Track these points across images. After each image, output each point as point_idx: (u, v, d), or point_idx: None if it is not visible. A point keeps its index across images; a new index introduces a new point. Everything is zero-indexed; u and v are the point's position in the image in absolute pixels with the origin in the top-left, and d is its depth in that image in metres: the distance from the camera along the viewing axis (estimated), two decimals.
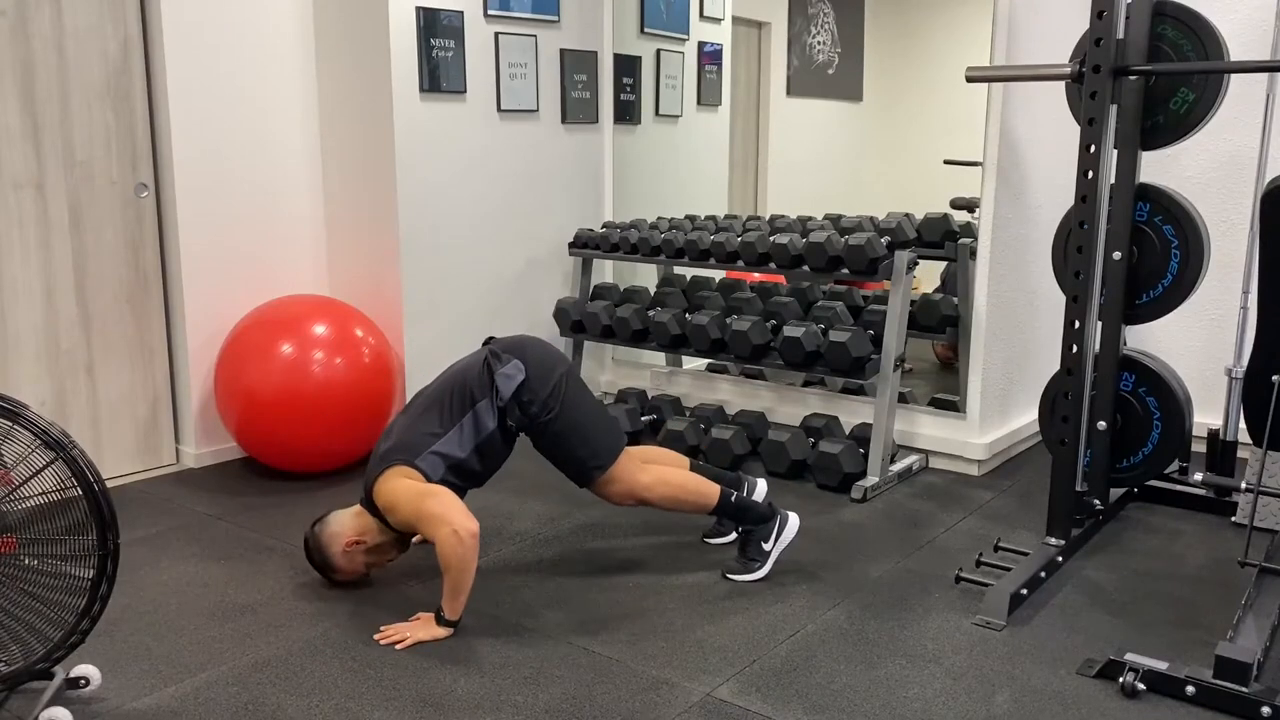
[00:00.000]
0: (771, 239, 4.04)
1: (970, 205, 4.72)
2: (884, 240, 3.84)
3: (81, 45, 3.76)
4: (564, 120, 4.79)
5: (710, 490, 3.08)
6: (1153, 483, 3.62)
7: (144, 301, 4.03)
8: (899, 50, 7.35)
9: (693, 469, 3.25)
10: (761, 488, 3.34)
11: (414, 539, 3.36)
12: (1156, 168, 4.06)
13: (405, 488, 2.79)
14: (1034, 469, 4.08)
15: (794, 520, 3.15)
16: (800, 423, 4.14)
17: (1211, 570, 3.14)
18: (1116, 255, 3.12)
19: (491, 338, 3.12)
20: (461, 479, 2.95)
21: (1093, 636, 2.72)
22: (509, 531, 3.48)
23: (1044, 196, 4.08)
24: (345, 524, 2.95)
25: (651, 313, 4.37)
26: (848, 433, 4.04)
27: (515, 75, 4.52)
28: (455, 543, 2.66)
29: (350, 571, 2.99)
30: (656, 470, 3.08)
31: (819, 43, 6.98)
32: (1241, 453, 3.75)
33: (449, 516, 2.69)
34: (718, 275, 4.72)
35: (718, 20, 5.69)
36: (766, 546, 3.09)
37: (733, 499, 3.09)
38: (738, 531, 3.22)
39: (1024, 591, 2.89)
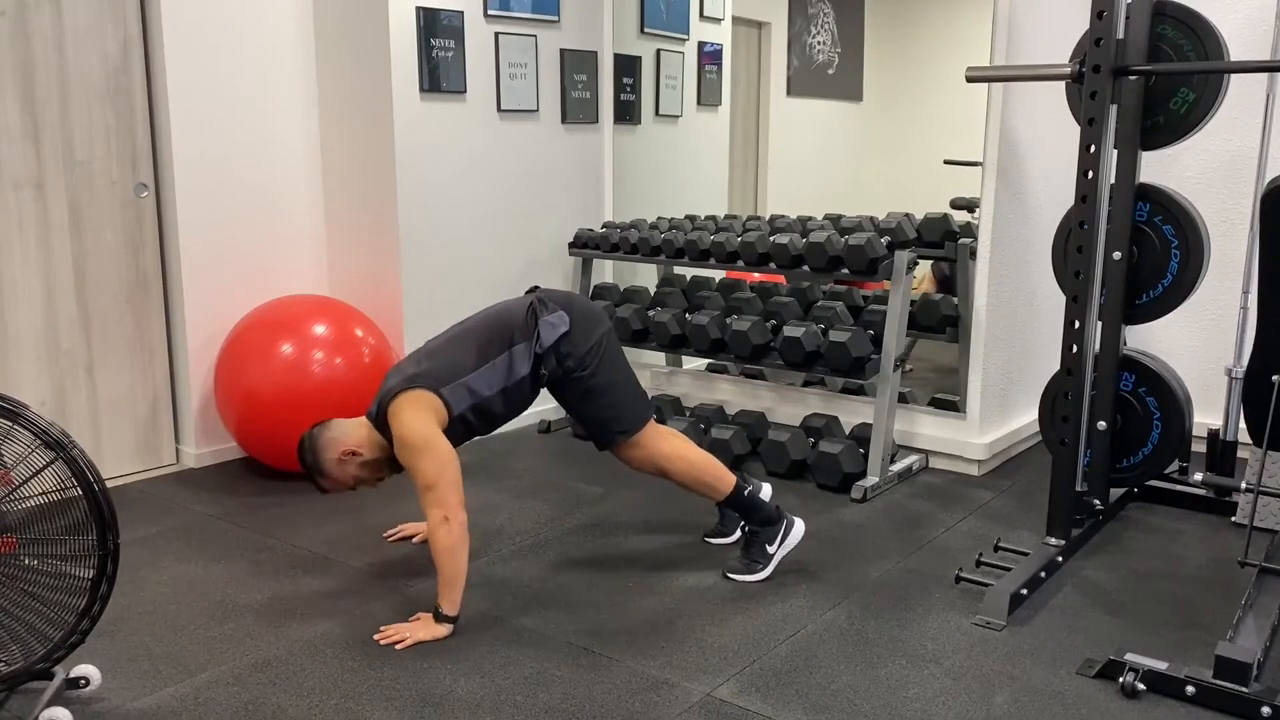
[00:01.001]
0: (771, 239, 4.04)
1: (970, 205, 4.72)
2: (884, 240, 3.84)
3: (81, 45, 3.76)
4: (564, 120, 4.79)
5: (727, 477, 3.08)
6: (1153, 483, 3.62)
7: (144, 301, 4.03)
8: (899, 50, 7.35)
9: None
10: (766, 492, 3.33)
11: (415, 539, 3.37)
12: (1156, 168, 4.06)
13: (419, 427, 2.72)
14: (1034, 469, 4.08)
15: (800, 526, 3.14)
16: (800, 423, 4.14)
17: (1211, 570, 3.14)
18: (1116, 255, 3.12)
19: (537, 286, 3.11)
20: (479, 420, 2.92)
21: (1093, 636, 2.73)
22: (509, 531, 3.48)
23: (1044, 196, 4.08)
24: (347, 432, 2.89)
25: (651, 313, 4.37)
26: (848, 433, 4.04)
27: (515, 75, 4.52)
28: (445, 531, 2.66)
29: (339, 481, 2.91)
30: (679, 444, 3.08)
31: (819, 43, 6.98)
32: (1241, 453, 3.75)
33: (443, 498, 2.67)
34: (718, 275, 4.72)
35: (718, 20, 5.69)
36: (770, 549, 3.09)
37: (745, 493, 3.09)
38: (741, 530, 3.22)
39: (1024, 591, 2.89)
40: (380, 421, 2.85)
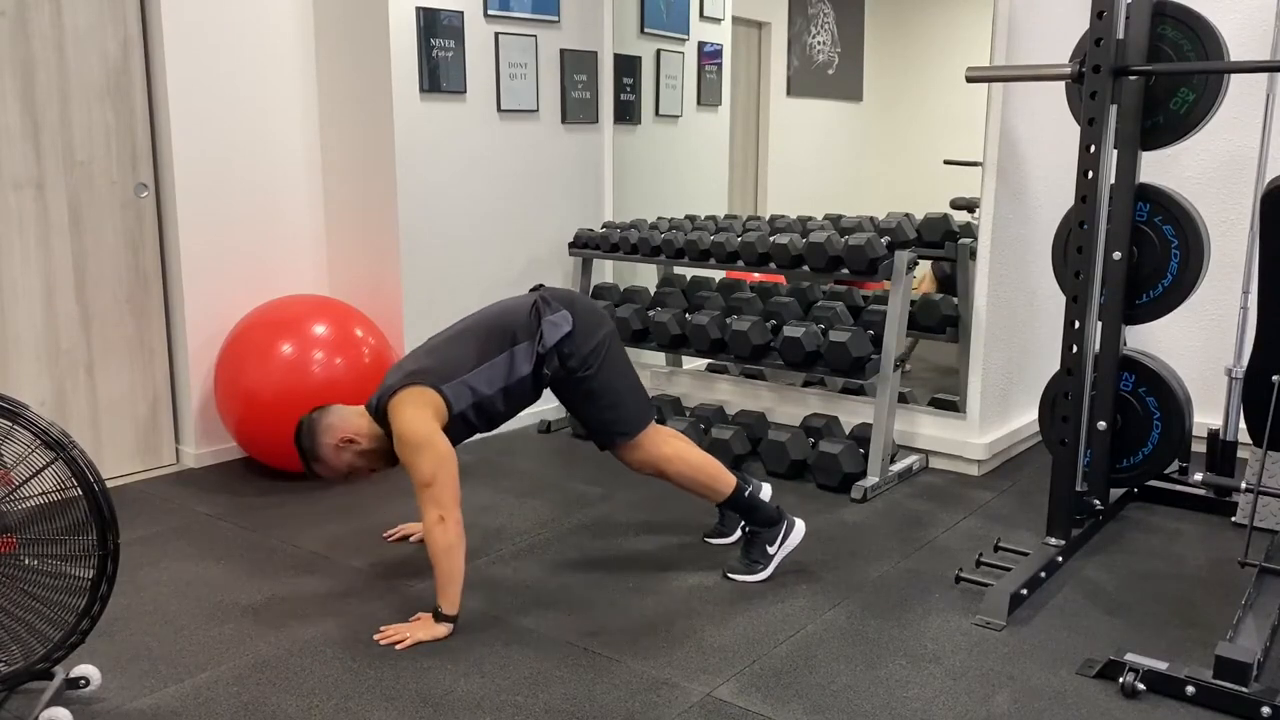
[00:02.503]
0: (771, 239, 4.04)
1: (970, 205, 4.72)
2: (884, 240, 3.84)
3: (81, 45, 3.76)
4: (564, 120, 4.79)
5: (727, 478, 3.07)
6: (1153, 483, 3.62)
7: (144, 301, 4.03)
8: (899, 50, 7.35)
9: None
10: (766, 492, 3.33)
11: (414, 538, 3.36)
12: (1156, 168, 4.06)
13: (419, 424, 2.72)
14: (1034, 469, 4.08)
15: (800, 527, 3.14)
16: (800, 423, 4.14)
17: (1211, 570, 3.14)
18: (1116, 255, 3.12)
19: (541, 285, 3.10)
20: (479, 418, 2.91)
21: (1093, 636, 2.73)
22: (509, 531, 3.48)
23: (1044, 196, 4.08)
24: (346, 419, 2.88)
25: (651, 313, 4.37)
26: (848, 433, 4.04)
27: (515, 75, 4.52)
28: (441, 531, 2.66)
29: (333, 468, 2.90)
30: (680, 445, 3.08)
31: (819, 43, 6.98)
32: (1241, 453, 3.75)
33: (440, 497, 2.67)
34: (718, 275, 4.72)
35: (718, 20, 5.69)
36: (771, 550, 3.09)
37: (745, 493, 3.09)
38: (742, 531, 3.22)
39: (1024, 591, 2.89)
40: (380, 416, 2.84)
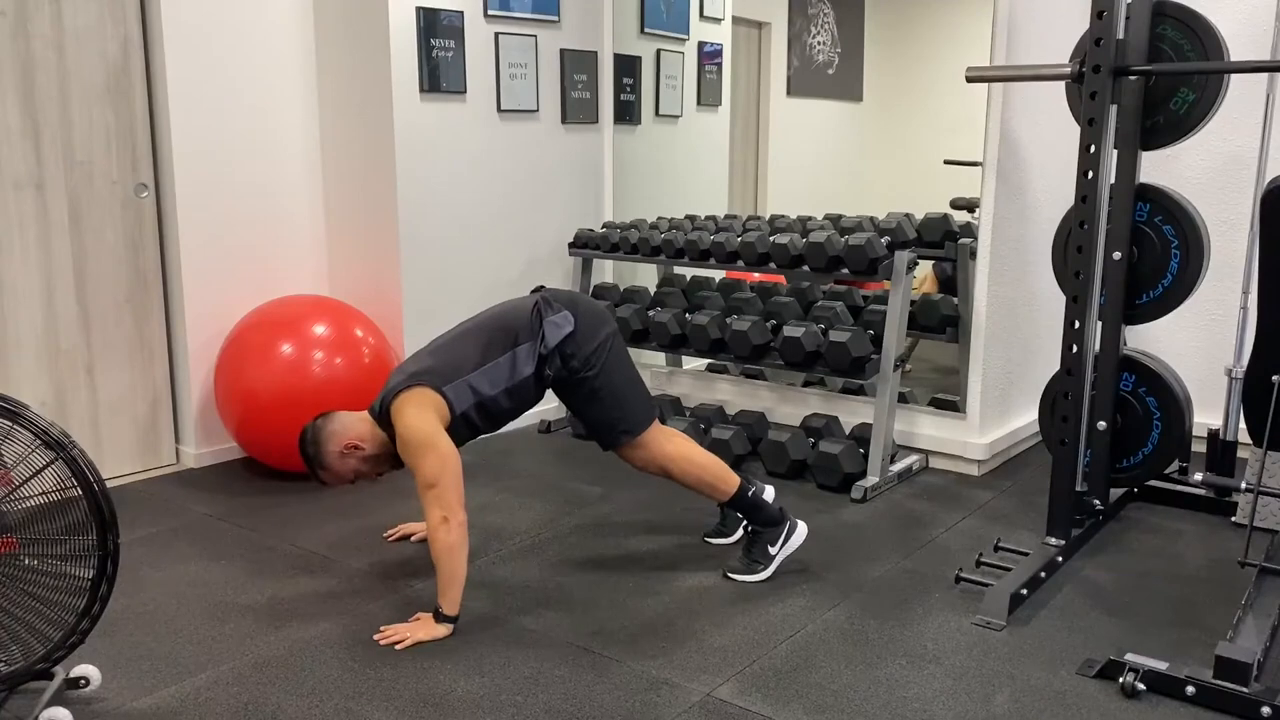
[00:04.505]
0: (771, 239, 4.04)
1: (970, 205, 4.72)
2: (884, 240, 3.84)
3: (81, 45, 3.76)
4: (564, 120, 4.79)
5: (731, 478, 3.08)
6: (1153, 483, 3.62)
7: (144, 301, 4.03)
8: (899, 50, 7.35)
9: None
10: (769, 494, 3.32)
11: (414, 537, 3.36)
12: (1157, 168, 4.06)
13: (421, 425, 2.72)
14: (1034, 469, 4.08)
15: (802, 529, 3.14)
16: (800, 423, 4.14)
17: (1211, 570, 3.14)
18: (1116, 255, 3.12)
19: (542, 286, 3.11)
20: (483, 418, 2.92)
21: (1093, 636, 2.73)
22: (509, 531, 3.48)
23: (1044, 196, 4.08)
24: (349, 426, 2.89)
25: (651, 313, 4.37)
26: (848, 433, 4.04)
27: (515, 75, 4.52)
28: (444, 531, 2.66)
29: (338, 474, 2.91)
30: (684, 444, 3.08)
31: (819, 43, 6.98)
32: (1241, 453, 3.75)
33: (444, 497, 2.67)
34: (718, 275, 4.72)
35: (718, 20, 5.69)
36: (772, 550, 3.09)
37: (749, 494, 3.10)
38: (745, 530, 3.21)
39: (1024, 591, 2.89)
40: (383, 418, 2.85)
